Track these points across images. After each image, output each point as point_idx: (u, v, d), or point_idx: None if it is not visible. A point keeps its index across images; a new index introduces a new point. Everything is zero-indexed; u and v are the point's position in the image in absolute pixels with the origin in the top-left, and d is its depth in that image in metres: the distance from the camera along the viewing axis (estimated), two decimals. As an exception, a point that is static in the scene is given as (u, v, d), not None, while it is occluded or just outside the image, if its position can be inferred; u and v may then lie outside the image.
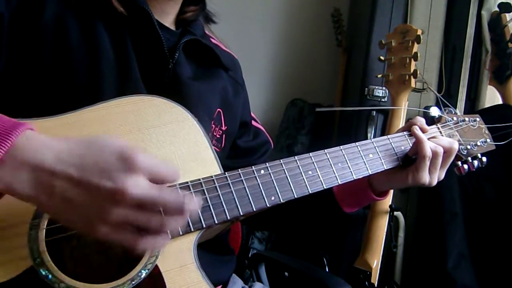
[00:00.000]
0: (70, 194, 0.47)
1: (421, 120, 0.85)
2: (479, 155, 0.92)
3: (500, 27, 1.59)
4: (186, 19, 0.82)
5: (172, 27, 0.80)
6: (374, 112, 1.60)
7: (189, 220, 0.60)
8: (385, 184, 0.86)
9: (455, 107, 1.38)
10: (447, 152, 0.81)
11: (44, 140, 0.49)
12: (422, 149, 0.79)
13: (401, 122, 1.40)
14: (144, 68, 0.71)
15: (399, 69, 1.38)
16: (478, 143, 0.91)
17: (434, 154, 0.80)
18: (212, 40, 0.89)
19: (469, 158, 0.91)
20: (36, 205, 0.51)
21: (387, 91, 1.55)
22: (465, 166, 0.90)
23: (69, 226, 0.51)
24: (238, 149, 0.90)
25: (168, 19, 0.79)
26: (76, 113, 0.60)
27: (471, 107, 1.65)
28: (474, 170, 0.90)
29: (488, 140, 0.93)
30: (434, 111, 0.90)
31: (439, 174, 0.82)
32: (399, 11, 1.65)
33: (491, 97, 1.67)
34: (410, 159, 0.82)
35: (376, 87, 1.60)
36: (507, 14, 1.59)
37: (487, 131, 0.95)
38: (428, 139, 0.82)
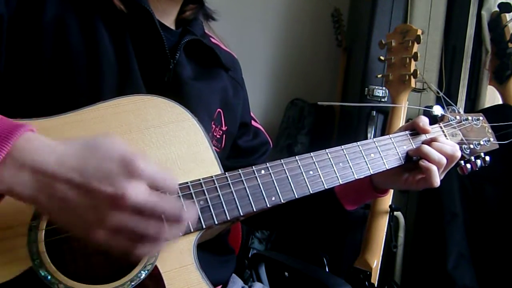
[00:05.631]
0: (70, 197, 0.47)
1: (424, 120, 0.84)
2: (482, 154, 0.91)
3: (500, 27, 1.59)
4: (186, 18, 0.81)
5: (173, 27, 0.80)
6: (374, 112, 1.59)
7: (189, 222, 0.60)
8: (385, 184, 0.86)
9: (455, 107, 1.38)
10: (449, 159, 0.81)
11: (45, 142, 0.48)
12: (430, 176, 0.78)
13: (401, 122, 1.40)
14: (145, 68, 0.71)
15: (399, 69, 1.38)
16: (482, 142, 0.90)
17: (438, 166, 0.79)
18: (212, 40, 0.89)
19: (472, 158, 0.90)
20: (36, 206, 0.51)
21: (387, 91, 1.55)
22: (468, 166, 0.88)
23: (68, 229, 0.51)
24: (238, 149, 0.90)
25: (168, 19, 0.79)
26: (76, 113, 0.59)
27: (471, 107, 1.65)
28: (477, 169, 0.89)
29: (492, 139, 0.92)
30: (437, 110, 0.89)
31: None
32: (399, 11, 1.65)
33: (491, 97, 1.67)
34: (412, 159, 0.82)
35: (376, 87, 1.59)
36: (507, 14, 1.59)
37: (490, 130, 0.94)
38: (430, 141, 0.81)
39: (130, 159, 0.48)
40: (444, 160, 0.79)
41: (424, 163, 0.79)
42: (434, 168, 0.78)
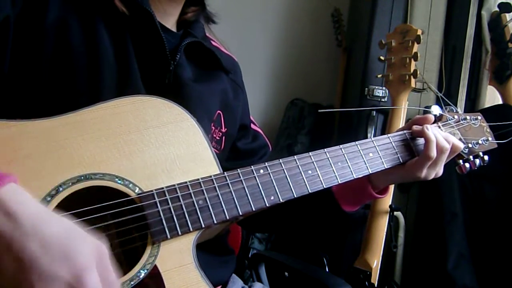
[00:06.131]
0: (6, 268, 0.44)
1: (429, 117, 0.85)
2: (481, 153, 0.92)
3: (500, 27, 1.59)
4: (187, 19, 0.82)
5: (174, 29, 0.80)
6: (374, 112, 1.59)
7: (188, 220, 0.60)
8: (384, 181, 0.85)
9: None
10: (452, 147, 0.81)
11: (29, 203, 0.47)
12: (429, 151, 0.79)
13: (401, 122, 1.40)
14: (145, 69, 0.71)
15: (399, 69, 1.38)
16: (480, 142, 0.91)
17: (440, 151, 0.80)
18: (213, 43, 0.89)
19: (471, 157, 0.90)
20: None
21: (387, 91, 1.55)
22: (467, 165, 0.89)
23: None
24: (237, 151, 0.90)
25: (170, 20, 0.79)
26: (76, 113, 0.60)
27: (471, 107, 1.65)
28: (476, 168, 0.90)
29: (490, 139, 0.93)
30: (435, 110, 0.90)
31: (437, 170, 0.83)
32: (399, 11, 1.65)
33: (491, 97, 1.67)
34: (411, 157, 0.82)
35: (376, 87, 1.60)
36: (507, 14, 1.59)
37: (488, 130, 0.95)
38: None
39: (82, 274, 0.46)
40: (447, 145, 0.80)
41: (428, 129, 0.79)
42: (434, 139, 0.79)
